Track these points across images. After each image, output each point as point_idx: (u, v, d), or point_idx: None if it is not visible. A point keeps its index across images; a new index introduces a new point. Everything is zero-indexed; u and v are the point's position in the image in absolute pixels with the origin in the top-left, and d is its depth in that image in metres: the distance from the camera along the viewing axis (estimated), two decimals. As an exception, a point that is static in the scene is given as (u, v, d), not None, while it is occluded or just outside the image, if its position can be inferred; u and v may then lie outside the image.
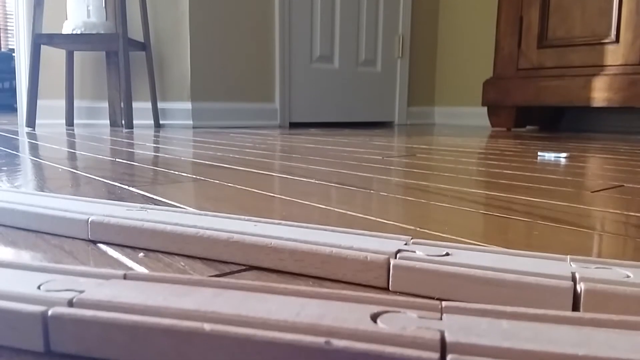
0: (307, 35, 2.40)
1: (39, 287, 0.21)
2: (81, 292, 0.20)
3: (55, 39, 1.84)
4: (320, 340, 0.16)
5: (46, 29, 1.97)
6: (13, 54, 4.40)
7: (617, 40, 1.86)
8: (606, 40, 1.89)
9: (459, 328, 0.17)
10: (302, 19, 2.37)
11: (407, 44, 2.78)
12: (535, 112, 2.30)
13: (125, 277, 0.22)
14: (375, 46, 2.68)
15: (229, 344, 0.17)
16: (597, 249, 0.34)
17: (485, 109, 2.42)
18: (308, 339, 0.16)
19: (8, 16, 5.55)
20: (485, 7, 2.71)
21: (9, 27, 5.54)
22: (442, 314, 0.18)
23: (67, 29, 1.87)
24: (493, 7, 2.60)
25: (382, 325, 0.17)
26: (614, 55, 1.87)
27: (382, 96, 2.74)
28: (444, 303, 0.19)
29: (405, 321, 0.17)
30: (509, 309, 0.18)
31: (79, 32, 1.84)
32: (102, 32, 1.87)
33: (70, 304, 0.19)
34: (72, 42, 1.86)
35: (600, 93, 1.89)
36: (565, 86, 1.97)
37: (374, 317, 0.18)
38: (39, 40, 1.84)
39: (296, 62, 2.37)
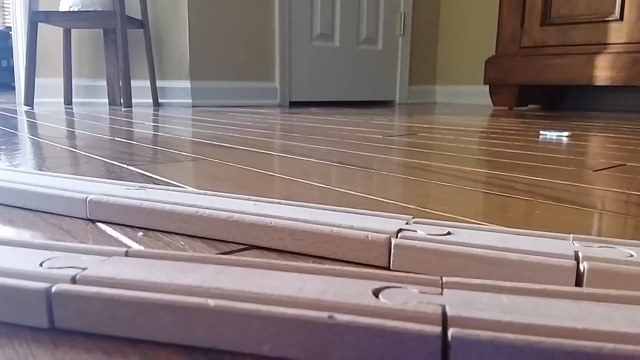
0: (307, 12, 2.37)
1: (41, 265, 0.21)
2: (84, 269, 0.20)
3: (52, 17, 1.81)
4: (324, 314, 0.16)
5: (43, 7, 1.95)
6: (10, 32, 4.35)
7: (621, 18, 1.84)
8: (610, 18, 1.86)
9: (459, 302, 0.17)
10: (302, -4, 2.34)
11: (409, 22, 2.75)
12: (538, 90, 2.29)
13: (127, 254, 0.22)
14: (377, 24, 2.64)
15: (233, 319, 0.17)
16: (600, 228, 0.34)
17: (487, 87, 2.41)
18: (312, 314, 0.16)
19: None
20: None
21: (5, 5, 5.47)
22: (442, 289, 0.18)
23: (64, 6, 1.84)
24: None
25: (384, 300, 0.17)
26: (618, 33, 1.85)
27: (383, 75, 2.72)
28: (444, 278, 0.19)
29: (407, 296, 0.17)
30: (508, 284, 0.18)
31: (75, 10, 1.82)
32: (100, 9, 1.85)
33: (74, 280, 0.19)
34: (69, 20, 1.84)
35: (603, 72, 1.87)
36: (568, 64, 1.96)
37: (376, 293, 0.18)
38: (35, 18, 1.82)
39: (296, 40, 2.34)
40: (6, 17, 5.44)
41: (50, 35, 2.05)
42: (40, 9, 1.91)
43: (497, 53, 2.18)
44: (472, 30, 2.78)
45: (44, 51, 2.04)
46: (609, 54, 1.86)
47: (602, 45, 1.89)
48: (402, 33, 2.73)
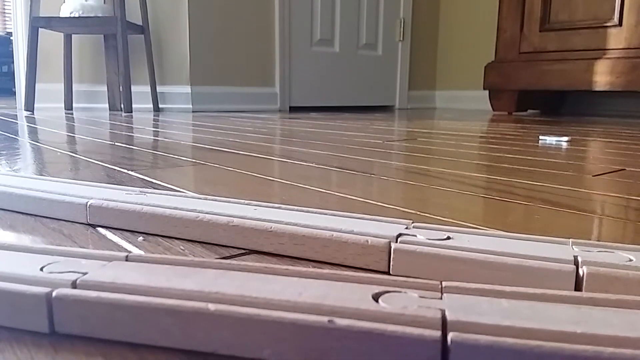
0: (307, 18, 2.38)
1: (42, 269, 0.21)
2: (84, 273, 0.20)
3: (53, 22, 1.82)
4: (324, 319, 0.16)
5: (44, 12, 1.95)
6: (11, 38, 4.37)
7: (620, 23, 1.85)
8: (609, 24, 1.87)
9: (459, 307, 0.17)
10: (302, 1, 2.35)
11: (409, 28, 2.76)
12: (537, 95, 2.29)
13: (127, 258, 0.22)
14: (376, 29, 2.65)
15: (234, 323, 0.17)
16: (599, 233, 0.34)
17: (486, 92, 2.41)
18: (311, 318, 0.16)
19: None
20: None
21: (6, 11, 5.49)
22: (442, 294, 0.18)
23: (65, 11, 1.85)
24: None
25: (383, 304, 0.17)
26: (617, 38, 1.86)
27: (383, 80, 2.73)
28: (444, 283, 0.19)
29: (407, 301, 0.17)
30: (508, 288, 0.18)
31: (76, 15, 1.82)
32: (100, 14, 1.86)
33: (74, 285, 0.19)
34: (70, 26, 1.84)
35: (602, 77, 1.88)
36: (567, 70, 1.96)
37: (376, 297, 0.18)
38: (36, 24, 1.83)
39: (296, 45, 2.35)
40: (7, 22, 5.46)
41: (51, 41, 2.05)
42: (41, 14, 1.92)
43: (496, 58, 2.19)
44: (472, 35, 2.78)
45: (44, 56, 2.05)
46: (608, 59, 1.86)
47: (601, 50, 1.89)
48: (401, 39, 2.74)
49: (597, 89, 1.89)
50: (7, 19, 5.48)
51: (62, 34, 2.01)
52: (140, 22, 2.01)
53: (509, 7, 2.12)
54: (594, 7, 1.90)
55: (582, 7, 1.93)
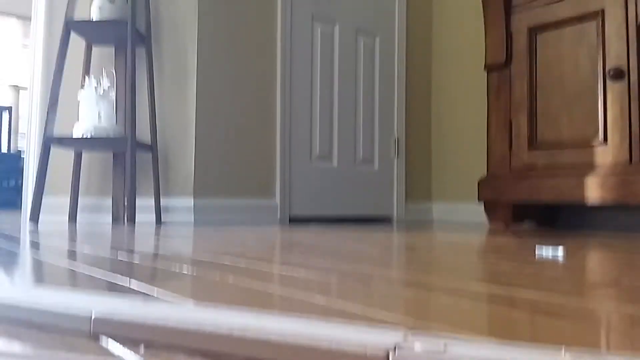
0: (306, 136, 2.51)
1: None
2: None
3: (65, 142, 1.92)
4: None
5: (57, 130, 2.06)
6: (22, 155, 4.56)
7: (605, 141, 1.95)
8: (594, 143, 1.97)
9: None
10: (302, 121, 2.49)
11: (403, 145, 2.90)
12: (532, 208, 2.34)
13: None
14: (372, 146, 2.79)
15: None
16: (593, 341, 0.34)
17: (482, 205, 2.46)
18: None
19: (19, 119, 5.84)
20: (476, 109, 2.86)
21: (20, 131, 5.82)
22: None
23: (78, 132, 1.95)
24: (484, 108, 2.75)
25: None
26: (604, 156, 1.95)
27: (380, 193, 2.80)
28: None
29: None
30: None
31: (88, 137, 1.92)
32: (112, 135, 1.96)
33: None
34: (82, 145, 1.94)
35: (593, 192, 1.93)
36: (558, 185, 2.03)
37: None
38: (49, 143, 1.92)
39: (296, 160, 2.45)
40: (19, 141, 5.74)
41: (60, 156, 2.14)
42: (55, 132, 2.02)
43: (488, 174, 2.27)
44: (464, 150, 2.91)
45: (52, 170, 2.12)
46: (597, 176, 1.93)
47: (589, 167, 1.97)
48: (397, 155, 2.86)
49: (589, 203, 1.94)
50: (19, 137, 5.77)
51: (72, 151, 2.11)
52: (149, 140, 2.11)
53: (496, 127, 2.24)
54: (579, 127, 2.01)
55: (567, 128, 2.04)
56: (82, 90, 2.01)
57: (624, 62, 1.90)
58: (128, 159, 1.88)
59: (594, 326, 0.39)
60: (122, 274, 0.64)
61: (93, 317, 0.35)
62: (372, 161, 2.79)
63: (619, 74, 1.90)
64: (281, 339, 0.30)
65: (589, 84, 1.99)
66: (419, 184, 3.01)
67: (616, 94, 1.92)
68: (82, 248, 1.00)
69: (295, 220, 2.43)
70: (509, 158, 2.19)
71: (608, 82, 1.94)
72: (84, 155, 2.16)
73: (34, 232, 1.47)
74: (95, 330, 0.35)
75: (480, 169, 2.79)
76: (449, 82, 3.03)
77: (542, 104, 2.12)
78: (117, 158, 2.12)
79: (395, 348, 0.28)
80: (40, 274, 0.63)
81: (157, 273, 0.66)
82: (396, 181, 2.86)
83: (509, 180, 2.17)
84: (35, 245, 1.05)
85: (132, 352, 0.31)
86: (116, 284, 0.56)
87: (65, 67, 2.07)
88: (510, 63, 2.22)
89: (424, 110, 3.06)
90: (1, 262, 0.75)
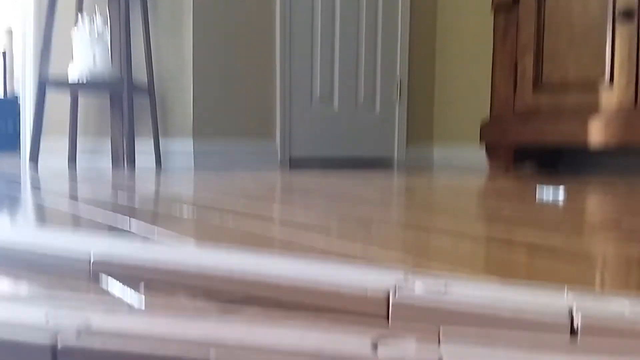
0: (307, 78, 2.46)
1: (46, 319, 0.21)
2: (89, 323, 0.21)
3: (61, 86, 1.88)
4: (322, 364, 0.17)
5: (52, 69, 2.02)
6: (17, 99, 4.51)
7: (611, 84, 1.91)
8: (600, 85, 1.93)
9: (457, 354, 0.17)
10: (302, 63, 2.44)
11: (405, 88, 2.85)
12: (534, 152, 2.33)
13: (129, 308, 0.23)
14: (374, 89, 2.74)
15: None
16: (596, 282, 0.34)
17: (483, 148, 2.45)
18: (310, 364, 0.17)
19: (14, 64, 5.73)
20: (481, 51, 2.79)
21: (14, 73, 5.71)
22: (440, 341, 0.18)
23: (73, 75, 1.91)
24: (489, 51, 2.68)
25: (382, 351, 0.17)
26: (609, 98, 1.92)
27: (382, 136, 2.79)
28: (442, 330, 0.19)
29: (405, 347, 0.18)
30: (505, 336, 0.19)
31: (84, 82, 1.88)
32: (107, 78, 1.92)
33: (79, 334, 0.20)
34: (77, 89, 1.90)
35: (596, 135, 1.92)
36: (561, 128, 2.01)
37: (374, 344, 0.18)
38: (44, 85, 1.89)
39: (297, 103, 2.42)
40: (15, 85, 5.65)
41: (56, 98, 2.11)
42: (50, 71, 1.98)
43: (491, 117, 2.24)
44: (467, 94, 2.87)
45: (50, 112, 2.10)
46: (601, 118, 1.91)
47: (594, 109, 1.94)
48: (399, 98, 2.82)
49: (591, 146, 1.93)
50: (14, 81, 5.68)
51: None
52: (145, 83, 2.07)
53: (501, 70, 2.19)
54: (586, 67, 1.97)
55: (573, 67, 2.00)
56: (75, 28, 1.95)
57: (634, 2, 1.83)
58: (125, 102, 1.86)
59: (593, 266, 0.39)
60: (122, 216, 0.64)
61: (92, 258, 0.35)
62: (373, 104, 2.75)
63: (628, 14, 1.84)
64: (281, 280, 0.29)
65: (597, 24, 1.92)
66: (421, 128, 2.99)
67: (625, 35, 1.86)
68: (82, 191, 1.00)
69: (295, 162, 2.42)
70: (513, 100, 2.16)
71: (617, 23, 1.87)
72: (80, 98, 2.13)
73: (34, 174, 1.47)
74: (95, 271, 0.35)
75: (482, 113, 2.75)
76: (455, 24, 2.93)
77: (549, 44, 2.06)
78: (114, 101, 2.09)
79: (395, 288, 0.27)
80: (40, 217, 0.63)
81: (157, 215, 0.66)
82: (398, 124, 2.84)
83: (512, 123, 2.15)
84: (35, 187, 1.05)
85: (132, 291, 0.31)
86: (116, 227, 0.56)
87: (57, 6, 1.99)
88: (518, 2, 2.14)
89: (428, 53, 2.98)
90: (1, 204, 0.75)
